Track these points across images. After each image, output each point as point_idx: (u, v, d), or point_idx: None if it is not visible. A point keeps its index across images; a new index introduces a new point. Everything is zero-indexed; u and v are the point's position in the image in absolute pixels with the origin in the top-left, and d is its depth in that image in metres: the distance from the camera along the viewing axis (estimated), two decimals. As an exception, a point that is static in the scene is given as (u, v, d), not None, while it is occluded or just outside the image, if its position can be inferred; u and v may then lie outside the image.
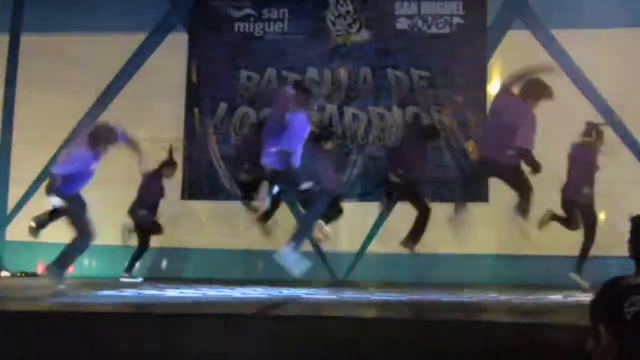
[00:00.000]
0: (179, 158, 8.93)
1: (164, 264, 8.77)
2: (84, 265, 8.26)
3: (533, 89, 6.02)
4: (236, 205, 8.28)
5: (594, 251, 7.12)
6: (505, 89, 6.13)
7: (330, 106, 8.90)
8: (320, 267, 8.18)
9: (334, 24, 9.06)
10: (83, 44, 9.13)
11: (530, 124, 5.97)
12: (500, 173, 6.23)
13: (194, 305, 4.80)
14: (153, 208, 8.14)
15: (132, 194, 8.16)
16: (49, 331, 3.50)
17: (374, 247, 8.56)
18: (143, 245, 8.14)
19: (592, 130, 7.12)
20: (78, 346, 3.41)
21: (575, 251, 7.14)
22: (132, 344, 3.40)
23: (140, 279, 7.85)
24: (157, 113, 8.99)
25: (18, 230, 8.89)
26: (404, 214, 7.95)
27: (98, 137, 6.12)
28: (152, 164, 8.36)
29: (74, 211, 6.02)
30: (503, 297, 5.82)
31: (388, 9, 8.95)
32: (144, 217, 8.03)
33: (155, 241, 8.37)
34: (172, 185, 8.86)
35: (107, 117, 8.93)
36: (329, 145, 7.84)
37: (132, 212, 8.02)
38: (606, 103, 8.30)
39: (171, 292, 5.85)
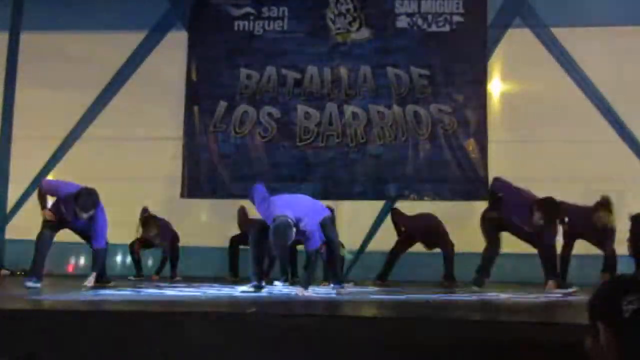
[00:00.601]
0: (179, 156, 8.95)
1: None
2: (85, 263, 8.28)
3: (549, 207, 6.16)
4: (235, 204, 8.29)
5: (593, 250, 7.12)
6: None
7: (330, 104, 8.89)
8: (319, 266, 8.17)
9: (334, 22, 9.05)
10: (83, 42, 9.14)
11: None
12: None
13: (193, 304, 4.79)
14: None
15: (127, 193, 8.19)
16: (46, 330, 3.49)
17: (373, 246, 8.55)
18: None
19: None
20: (76, 345, 3.40)
21: (578, 250, 7.17)
22: (131, 343, 3.39)
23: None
24: (157, 111, 9.01)
25: (18, 228, 8.90)
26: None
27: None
28: (151, 163, 8.39)
29: None
30: (503, 296, 5.82)
31: (388, 7, 8.94)
32: None
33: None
34: (172, 183, 8.87)
35: (107, 115, 8.97)
36: None
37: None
38: (606, 101, 8.30)
39: (170, 291, 5.84)
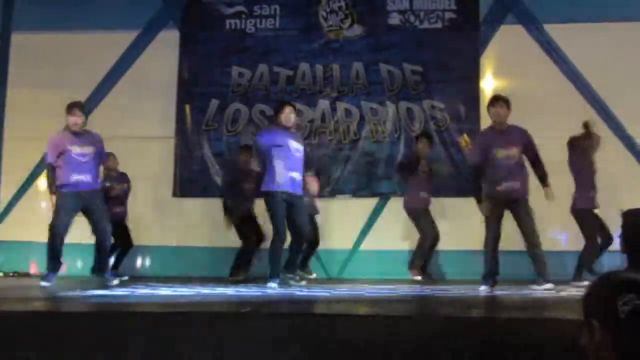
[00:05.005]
0: (171, 155, 8.92)
1: (157, 262, 8.74)
2: (76, 264, 8.24)
3: None
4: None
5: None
6: None
7: (323, 101, 8.88)
8: (313, 264, 8.17)
9: (326, 19, 9.04)
10: (74, 42, 9.10)
11: None
12: None
13: (187, 304, 4.78)
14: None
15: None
16: (42, 331, 3.47)
17: (367, 244, 8.54)
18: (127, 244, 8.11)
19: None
20: (73, 346, 3.39)
21: (571, 247, 7.20)
22: (126, 343, 3.38)
23: (126, 277, 7.80)
24: (149, 110, 8.98)
25: (10, 229, 8.86)
26: (397, 210, 7.95)
27: None
28: (143, 162, 8.35)
29: None
30: (497, 292, 5.82)
31: (380, 5, 8.94)
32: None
33: (147, 240, 8.34)
34: (164, 183, 8.84)
35: (99, 114, 8.92)
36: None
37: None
38: (599, 97, 8.31)
39: (165, 291, 5.83)
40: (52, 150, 6.30)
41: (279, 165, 6.22)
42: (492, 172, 6.16)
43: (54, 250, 6.21)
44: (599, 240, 6.96)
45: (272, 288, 6.02)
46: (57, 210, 6.20)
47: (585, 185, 6.93)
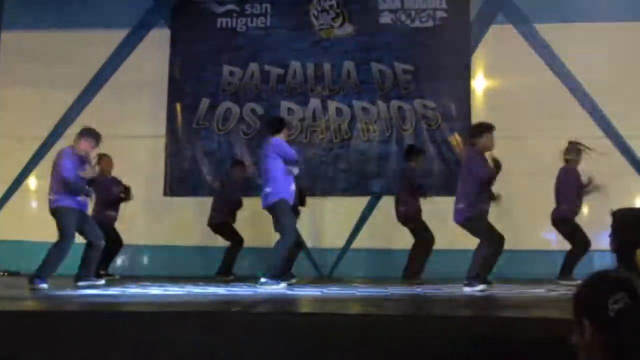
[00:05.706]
0: (161, 154, 8.90)
1: (147, 261, 8.71)
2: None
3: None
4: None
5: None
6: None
7: (314, 100, 8.87)
8: (306, 262, 8.16)
9: (317, 18, 9.04)
10: (65, 40, 9.07)
11: None
12: None
13: (178, 303, 4.77)
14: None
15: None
16: (32, 331, 3.45)
17: (358, 242, 8.54)
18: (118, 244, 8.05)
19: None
20: (65, 345, 3.37)
21: (558, 246, 7.22)
22: (117, 342, 3.37)
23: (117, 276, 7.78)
24: (139, 109, 8.95)
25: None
26: (388, 210, 7.95)
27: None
28: (134, 161, 8.32)
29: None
30: (489, 292, 5.83)
31: (371, 3, 8.95)
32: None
33: (138, 239, 8.30)
34: (154, 182, 8.81)
35: (89, 114, 8.89)
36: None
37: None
38: (590, 97, 8.34)
39: (155, 290, 5.81)
40: (73, 165, 6.24)
41: (292, 177, 6.48)
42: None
43: (57, 266, 6.22)
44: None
45: (277, 287, 6.06)
46: (67, 228, 6.16)
47: (570, 197, 7.10)
